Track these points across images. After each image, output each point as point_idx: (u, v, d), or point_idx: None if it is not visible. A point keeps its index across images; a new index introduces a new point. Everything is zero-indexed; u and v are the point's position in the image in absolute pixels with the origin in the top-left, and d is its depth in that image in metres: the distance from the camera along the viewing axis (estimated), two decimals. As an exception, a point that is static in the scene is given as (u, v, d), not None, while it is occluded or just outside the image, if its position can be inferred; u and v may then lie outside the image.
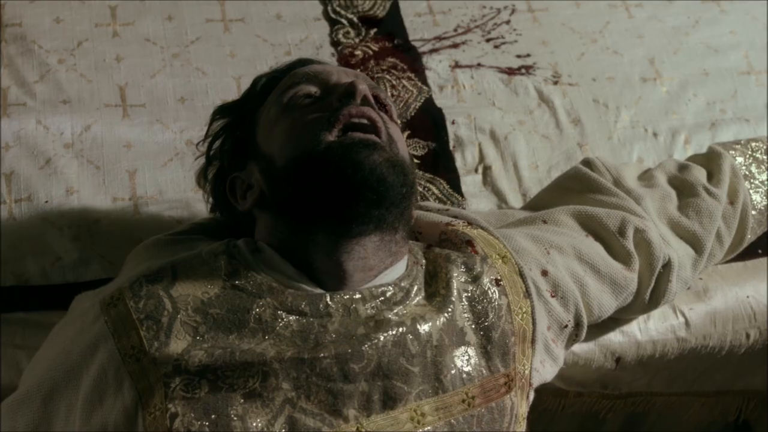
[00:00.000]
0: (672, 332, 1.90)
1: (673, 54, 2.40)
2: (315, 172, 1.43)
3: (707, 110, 2.30)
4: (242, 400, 1.32)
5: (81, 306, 1.48)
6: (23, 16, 2.17)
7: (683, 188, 1.86)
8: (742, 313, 1.94)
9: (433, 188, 2.02)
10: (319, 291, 1.43)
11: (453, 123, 2.14)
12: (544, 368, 1.60)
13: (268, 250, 1.47)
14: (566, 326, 1.64)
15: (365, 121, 1.48)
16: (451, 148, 2.11)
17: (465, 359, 1.45)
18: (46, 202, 1.86)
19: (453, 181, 2.06)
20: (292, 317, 1.39)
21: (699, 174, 1.89)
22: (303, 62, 1.70)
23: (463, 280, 1.51)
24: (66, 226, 1.84)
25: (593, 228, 1.73)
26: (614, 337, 1.87)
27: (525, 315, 1.55)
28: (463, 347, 1.46)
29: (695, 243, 1.80)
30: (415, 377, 1.39)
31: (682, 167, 1.92)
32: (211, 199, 1.73)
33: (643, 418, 2.15)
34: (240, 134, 1.65)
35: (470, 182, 2.08)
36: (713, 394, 2.09)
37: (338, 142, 1.44)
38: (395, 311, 1.43)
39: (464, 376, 1.44)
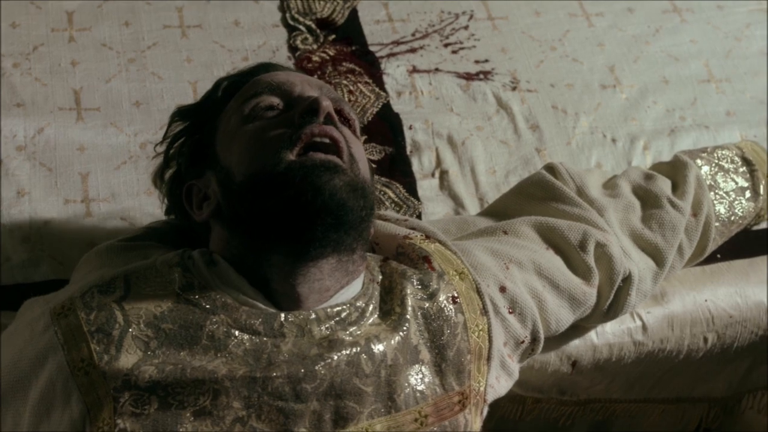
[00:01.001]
0: (629, 336, 1.90)
1: (633, 62, 2.40)
2: (273, 191, 1.40)
3: (666, 117, 2.30)
4: (192, 418, 1.31)
5: (31, 313, 1.46)
6: (-21, 21, 2.15)
7: (647, 199, 1.87)
8: (700, 316, 1.94)
9: (390, 192, 2.01)
10: (273, 310, 1.41)
11: (410, 128, 2.14)
12: (499, 384, 1.60)
13: (224, 264, 1.45)
14: (523, 342, 1.63)
15: (327, 141, 1.45)
16: (408, 152, 2.11)
17: (419, 378, 1.44)
18: (-4, 203, 1.85)
19: (409, 185, 2.05)
20: (245, 336, 1.38)
21: (664, 185, 1.89)
22: (266, 67, 1.68)
23: (418, 297, 1.50)
24: (16, 227, 1.83)
25: (554, 241, 1.73)
26: (570, 341, 1.87)
27: (481, 332, 1.54)
28: (417, 365, 1.45)
29: (656, 256, 1.81)
30: (368, 397, 1.38)
31: (648, 177, 1.92)
32: (166, 201, 1.70)
33: (606, 427, 2.14)
34: (199, 138, 1.62)
35: (427, 186, 2.07)
36: (673, 401, 2.10)
37: (299, 162, 1.41)
38: (350, 331, 1.42)
39: (418, 394, 1.43)
